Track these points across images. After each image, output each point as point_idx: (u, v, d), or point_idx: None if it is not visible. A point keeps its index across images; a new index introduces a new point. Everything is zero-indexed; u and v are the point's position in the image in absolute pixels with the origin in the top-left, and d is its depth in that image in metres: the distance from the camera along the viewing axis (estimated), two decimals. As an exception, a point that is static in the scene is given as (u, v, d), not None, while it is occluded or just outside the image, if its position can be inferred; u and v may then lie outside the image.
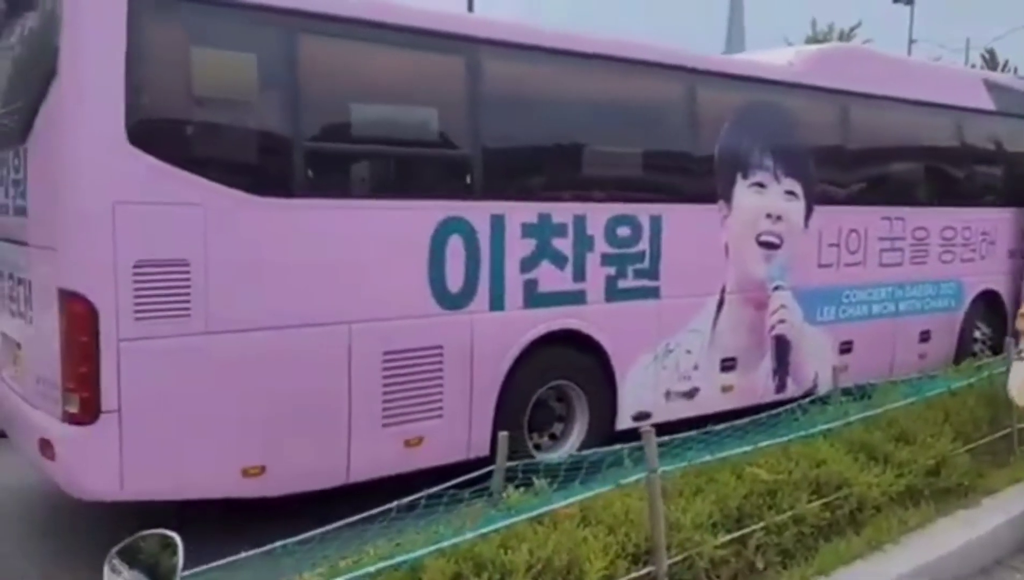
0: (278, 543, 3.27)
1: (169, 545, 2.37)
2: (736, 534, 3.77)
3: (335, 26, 4.92)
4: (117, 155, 4.22)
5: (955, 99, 8.48)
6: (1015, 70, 32.93)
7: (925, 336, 8.36)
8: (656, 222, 6.23)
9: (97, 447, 4.26)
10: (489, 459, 4.48)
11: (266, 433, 4.66)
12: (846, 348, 7.62)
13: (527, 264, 5.62)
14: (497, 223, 5.47)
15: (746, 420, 4.95)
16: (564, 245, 5.80)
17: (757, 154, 6.88)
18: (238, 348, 4.56)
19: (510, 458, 4.17)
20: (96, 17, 4.21)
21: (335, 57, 5.07)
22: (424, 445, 5.22)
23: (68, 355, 4.23)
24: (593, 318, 5.94)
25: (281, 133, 4.85)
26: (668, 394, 6.44)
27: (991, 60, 36.83)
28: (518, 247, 5.58)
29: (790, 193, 7.12)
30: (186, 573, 2.58)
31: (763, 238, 6.97)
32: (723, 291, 6.73)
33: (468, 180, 5.43)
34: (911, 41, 33.03)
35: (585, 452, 4.50)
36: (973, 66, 30.20)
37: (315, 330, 4.80)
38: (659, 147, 6.54)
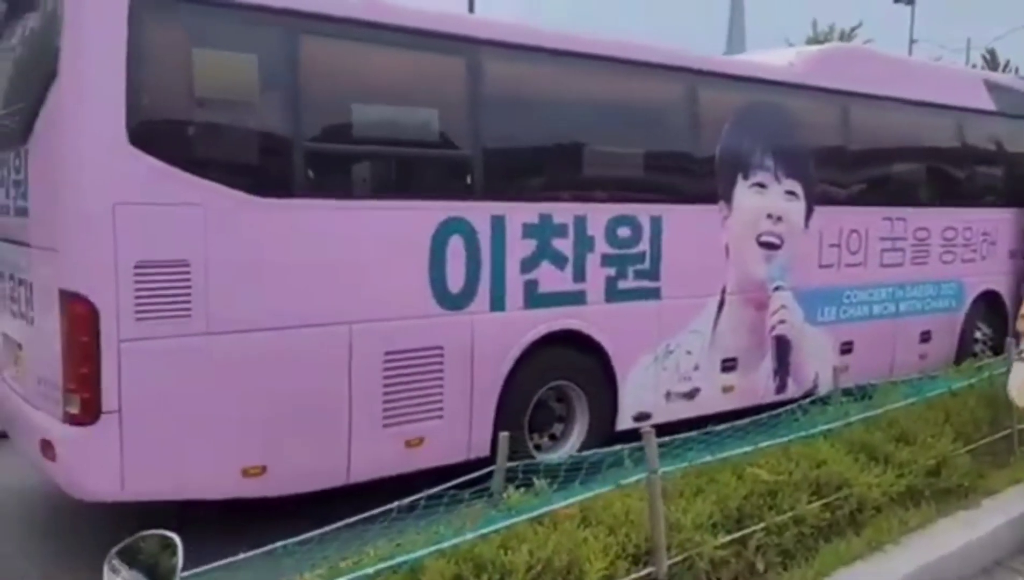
0: (278, 543, 3.27)
1: (169, 546, 2.38)
2: (736, 535, 3.77)
3: (336, 27, 4.93)
4: (118, 156, 4.23)
5: (956, 99, 8.48)
6: (1016, 70, 32.96)
7: (926, 336, 8.36)
8: (657, 223, 6.23)
9: (98, 448, 4.26)
10: (489, 459, 4.47)
11: (266, 433, 4.66)
12: (847, 348, 7.61)
13: (528, 264, 5.63)
14: (498, 223, 5.47)
15: (747, 421, 4.94)
16: (565, 246, 5.80)
17: (758, 155, 6.88)
18: (239, 348, 4.56)
19: (510, 458, 4.17)
20: (97, 18, 4.22)
21: (336, 58, 5.08)
22: (424, 445, 5.22)
23: (69, 356, 4.23)
24: (594, 319, 5.94)
25: (282, 134, 4.85)
26: (668, 394, 6.44)
27: (992, 60, 36.82)
28: (519, 247, 5.58)
29: (791, 193, 7.11)
30: (186, 573, 2.59)
31: (764, 239, 6.97)
32: (724, 292, 6.73)
33: (468, 180, 5.44)
34: (912, 41, 33.07)
35: (585, 453, 4.49)
36: (974, 66, 30.19)
37: (316, 330, 4.80)
38: (660, 148, 6.54)
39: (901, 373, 7.18)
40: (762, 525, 3.86)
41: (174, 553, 2.39)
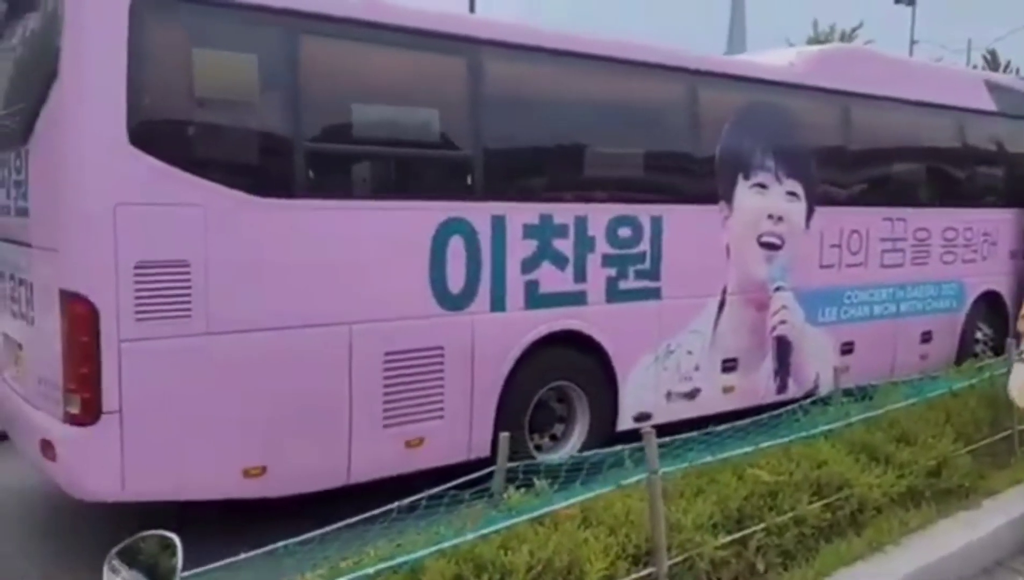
0: (279, 544, 3.26)
1: (169, 546, 2.39)
2: (737, 535, 3.76)
3: (336, 27, 4.93)
4: (118, 156, 4.23)
5: (956, 100, 8.47)
6: (1017, 71, 32.96)
7: (926, 337, 8.36)
8: (657, 223, 6.23)
9: (98, 448, 4.26)
10: (490, 460, 4.47)
11: (267, 434, 4.66)
12: (847, 349, 7.61)
13: (528, 265, 5.62)
14: (498, 224, 5.47)
15: (747, 421, 4.94)
16: (565, 246, 5.80)
17: (758, 155, 6.88)
18: (239, 349, 4.56)
19: (511, 459, 4.17)
20: (98, 18, 4.22)
21: (336, 58, 5.08)
22: (425, 446, 5.22)
23: (69, 356, 4.23)
24: (594, 319, 5.93)
25: (282, 134, 4.85)
26: (669, 395, 6.44)
27: (992, 61, 36.78)
28: (519, 248, 5.57)
29: (791, 194, 7.11)
30: (186, 574, 2.59)
31: (764, 239, 6.96)
32: (724, 292, 6.73)
33: (469, 181, 5.43)
34: (912, 42, 33.03)
35: (586, 453, 4.49)
36: (975, 67, 30.17)
37: (316, 331, 4.80)
38: (660, 148, 6.54)
39: (902, 373, 7.18)
40: (763, 525, 3.86)
41: (174, 553, 2.39)
